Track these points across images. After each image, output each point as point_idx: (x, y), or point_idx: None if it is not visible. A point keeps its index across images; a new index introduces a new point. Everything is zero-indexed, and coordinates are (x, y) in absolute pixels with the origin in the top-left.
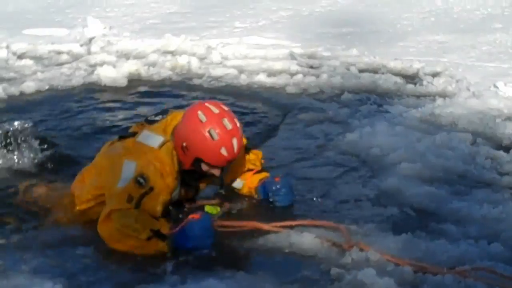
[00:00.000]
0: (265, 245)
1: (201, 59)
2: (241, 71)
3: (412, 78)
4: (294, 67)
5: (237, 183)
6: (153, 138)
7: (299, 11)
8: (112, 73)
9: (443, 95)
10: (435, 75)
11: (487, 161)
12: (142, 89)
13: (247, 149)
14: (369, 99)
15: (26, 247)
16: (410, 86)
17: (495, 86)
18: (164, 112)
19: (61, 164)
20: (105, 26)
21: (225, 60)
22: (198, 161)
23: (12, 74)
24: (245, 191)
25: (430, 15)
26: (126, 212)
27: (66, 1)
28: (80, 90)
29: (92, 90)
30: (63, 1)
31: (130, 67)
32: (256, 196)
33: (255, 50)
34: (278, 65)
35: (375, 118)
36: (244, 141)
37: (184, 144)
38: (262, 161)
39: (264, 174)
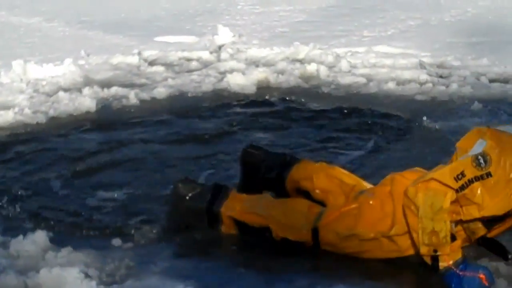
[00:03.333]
0: None
1: (330, 67)
2: (369, 79)
3: None
4: (423, 76)
5: None
6: None
7: (428, 21)
8: (241, 80)
9: None
10: None
11: None
12: (272, 96)
13: None
14: (499, 109)
15: None
16: None
17: None
18: None
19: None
20: (234, 34)
21: (354, 68)
22: None
23: (143, 80)
24: None
25: None
26: (440, 195)
27: (196, 9)
28: (210, 96)
29: (221, 96)
30: (193, 10)
31: (259, 74)
32: None
33: (383, 59)
34: (407, 74)
35: (507, 128)
36: None
37: None
38: None
39: None
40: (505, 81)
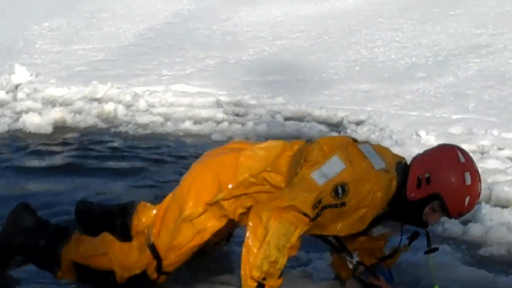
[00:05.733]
0: None
1: (128, 106)
2: (167, 118)
3: (336, 126)
4: (220, 115)
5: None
6: (375, 159)
7: (226, 59)
8: (37, 120)
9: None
10: (359, 123)
11: None
12: (68, 136)
13: None
14: None
15: None
16: (334, 134)
17: (417, 135)
18: None
19: None
20: (31, 73)
21: (152, 107)
22: (432, 198)
23: None
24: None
25: (355, 64)
26: (292, 227)
27: None
28: (5, 136)
29: (17, 137)
30: None
31: (56, 114)
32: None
33: (181, 97)
34: (204, 113)
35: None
36: None
37: (428, 175)
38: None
39: None
40: (300, 119)
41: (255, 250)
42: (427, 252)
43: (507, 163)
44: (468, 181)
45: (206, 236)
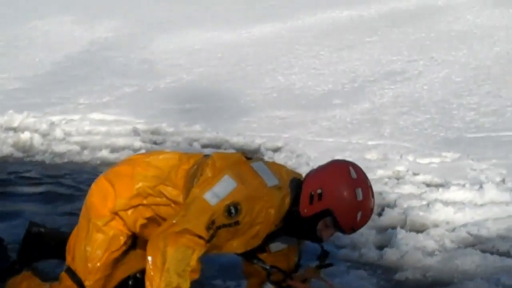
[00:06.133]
0: None
1: (44, 135)
2: (84, 147)
3: (254, 153)
4: (137, 143)
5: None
6: (268, 176)
7: (143, 87)
8: None
9: None
10: (276, 150)
11: None
12: None
13: None
14: None
15: None
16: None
17: None
18: None
19: None
20: None
21: (68, 136)
22: (325, 214)
23: None
24: None
25: (272, 91)
26: (189, 251)
27: None
28: None
29: None
30: None
31: None
32: None
33: (98, 126)
34: (121, 141)
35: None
36: None
37: (319, 191)
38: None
39: None
40: (217, 146)
41: (157, 280)
42: (319, 267)
43: (422, 188)
44: (360, 196)
45: (122, 239)
